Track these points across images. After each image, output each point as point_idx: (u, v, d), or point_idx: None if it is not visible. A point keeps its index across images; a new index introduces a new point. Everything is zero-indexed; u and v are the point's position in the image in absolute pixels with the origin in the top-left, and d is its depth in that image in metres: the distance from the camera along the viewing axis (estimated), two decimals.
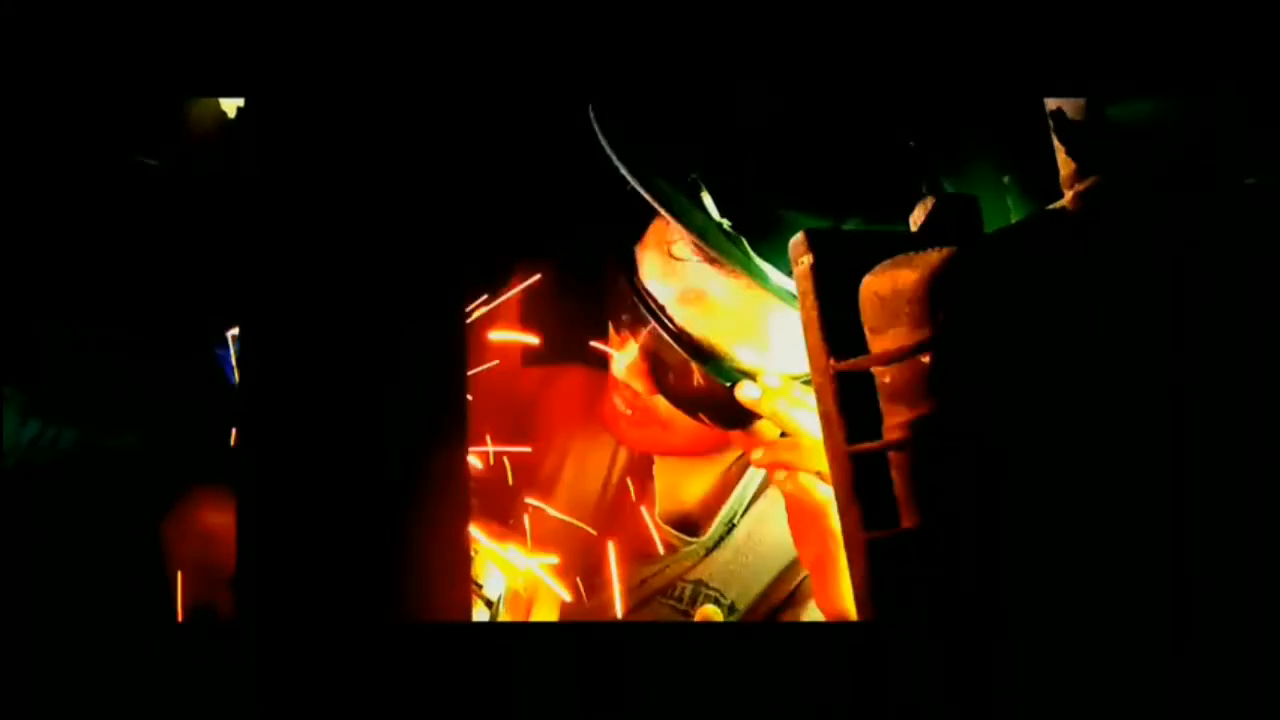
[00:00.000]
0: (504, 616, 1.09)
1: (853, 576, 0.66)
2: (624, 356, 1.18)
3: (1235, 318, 0.58)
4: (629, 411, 1.24)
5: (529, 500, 1.28)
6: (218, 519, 1.18)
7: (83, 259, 1.62)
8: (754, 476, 1.33)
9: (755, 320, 1.10)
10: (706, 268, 1.10)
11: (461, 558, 0.54)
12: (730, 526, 1.32)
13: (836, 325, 0.68)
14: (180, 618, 1.11)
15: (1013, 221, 0.97)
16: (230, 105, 1.90)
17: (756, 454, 1.09)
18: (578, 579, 1.20)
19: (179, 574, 1.21)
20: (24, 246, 1.46)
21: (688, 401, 1.16)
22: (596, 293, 1.26)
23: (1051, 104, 0.64)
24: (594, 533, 1.28)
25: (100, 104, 1.58)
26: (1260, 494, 0.57)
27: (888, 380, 0.66)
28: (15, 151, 1.49)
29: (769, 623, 1.27)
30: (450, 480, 0.55)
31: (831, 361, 0.67)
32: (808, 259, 0.69)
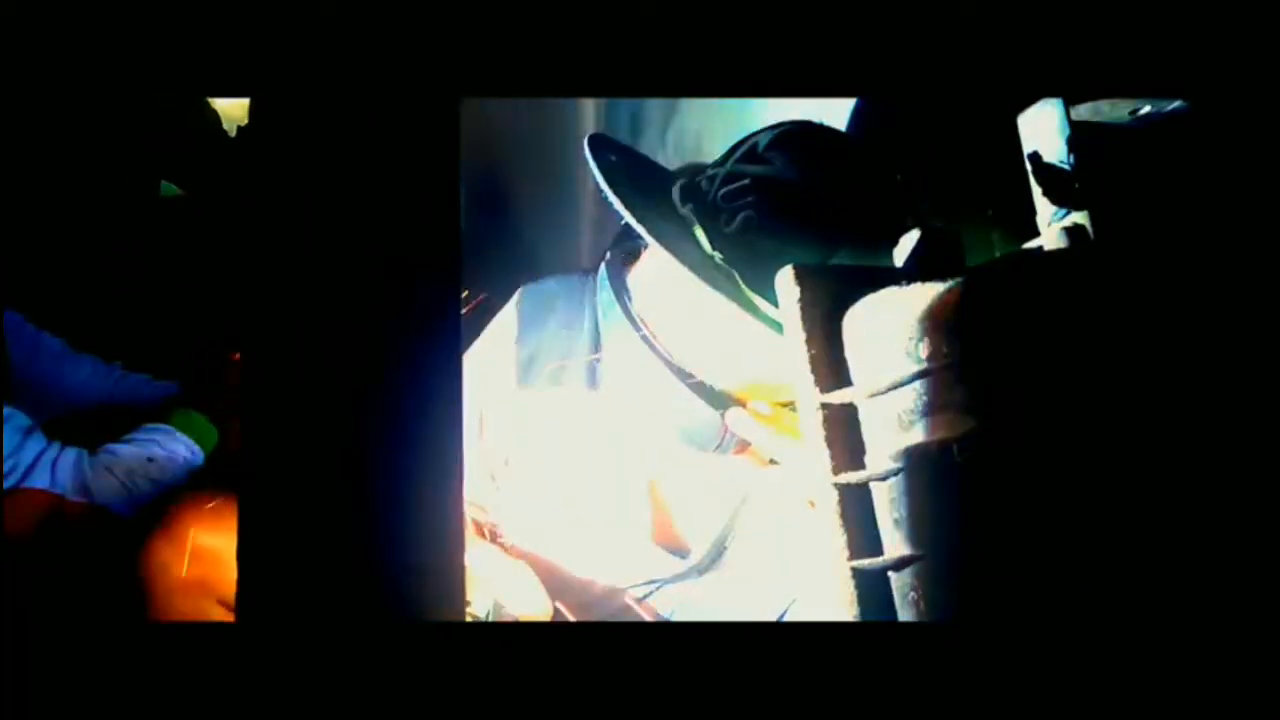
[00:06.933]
0: None
1: (837, 603, 0.68)
2: None
3: (1210, 352, 0.60)
4: None
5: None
6: (215, 539, 1.18)
7: (87, 276, 1.63)
8: (748, 500, 1.33)
9: (745, 350, 1.12)
10: (698, 298, 1.11)
11: (457, 560, 0.55)
12: (721, 550, 1.33)
13: (822, 357, 0.70)
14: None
15: (996, 255, 0.99)
16: (231, 126, 1.92)
17: None
18: (557, 603, 1.20)
19: (171, 595, 1.20)
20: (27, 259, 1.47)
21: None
22: None
23: (1028, 147, 0.66)
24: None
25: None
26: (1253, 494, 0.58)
27: (873, 412, 0.67)
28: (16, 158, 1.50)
29: (766, 621, 1.27)
30: (448, 480, 0.56)
31: (817, 392, 0.69)
32: (795, 293, 0.70)
